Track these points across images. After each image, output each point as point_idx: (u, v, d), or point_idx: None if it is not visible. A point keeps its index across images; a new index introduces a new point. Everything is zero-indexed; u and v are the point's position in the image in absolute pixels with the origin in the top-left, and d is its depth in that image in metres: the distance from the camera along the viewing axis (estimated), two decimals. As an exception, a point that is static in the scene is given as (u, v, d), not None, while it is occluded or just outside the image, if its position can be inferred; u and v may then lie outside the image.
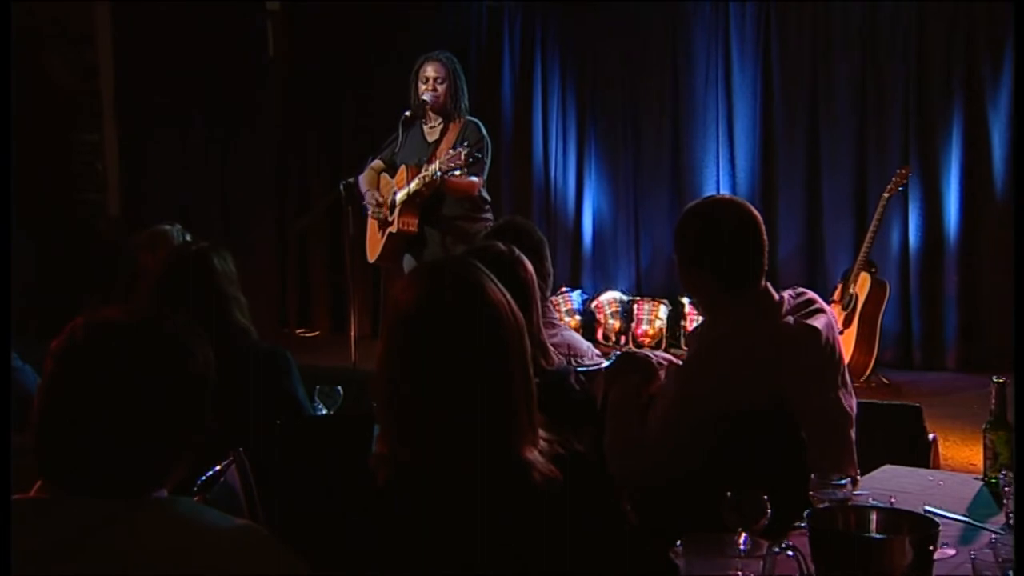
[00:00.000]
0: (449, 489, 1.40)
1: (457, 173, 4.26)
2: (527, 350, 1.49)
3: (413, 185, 4.43)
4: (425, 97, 4.53)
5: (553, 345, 2.66)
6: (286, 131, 7.05)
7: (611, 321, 6.14)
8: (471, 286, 1.48)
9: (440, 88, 4.53)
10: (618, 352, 2.79)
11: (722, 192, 5.86)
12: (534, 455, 1.43)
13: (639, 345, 6.03)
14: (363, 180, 4.78)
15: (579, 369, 2.62)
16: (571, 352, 2.86)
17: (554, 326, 2.89)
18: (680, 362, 2.44)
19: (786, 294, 2.35)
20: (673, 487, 2.16)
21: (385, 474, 1.41)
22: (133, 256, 2.47)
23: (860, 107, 5.70)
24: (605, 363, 2.81)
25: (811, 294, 2.37)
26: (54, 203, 6.62)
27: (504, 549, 1.38)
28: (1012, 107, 5.28)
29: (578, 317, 6.16)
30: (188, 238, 2.51)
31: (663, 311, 6.03)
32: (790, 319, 2.27)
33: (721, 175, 6.06)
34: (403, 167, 4.55)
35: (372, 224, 4.78)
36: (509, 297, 1.49)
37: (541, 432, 1.46)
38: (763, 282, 2.31)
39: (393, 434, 1.44)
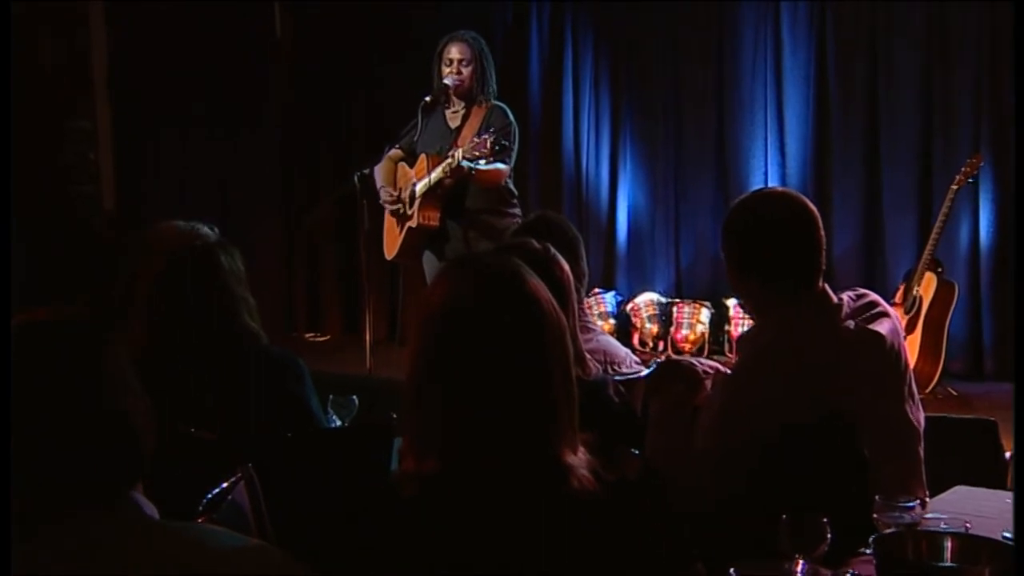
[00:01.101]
0: (482, 496, 1.42)
1: (482, 163, 4.26)
2: (569, 348, 1.50)
3: (434, 175, 4.43)
4: (447, 81, 4.54)
5: (588, 352, 2.65)
6: (294, 119, 7.08)
7: (648, 325, 6.12)
8: (509, 279, 1.49)
9: (465, 71, 4.54)
10: (659, 359, 2.77)
11: (771, 184, 5.83)
12: (574, 459, 1.44)
13: (679, 351, 6.01)
14: (379, 172, 4.79)
15: (617, 378, 2.61)
16: (608, 359, 2.85)
17: (589, 331, 2.89)
18: (728, 371, 2.43)
19: (846, 296, 2.33)
20: (722, 508, 2.14)
21: (411, 488, 1.42)
22: (136, 253, 2.48)
23: (925, 89, 5.64)
24: (645, 371, 2.81)
25: (873, 296, 2.35)
26: (43, 196, 6.66)
27: (538, 558, 1.39)
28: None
29: (612, 321, 6.15)
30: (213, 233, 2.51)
31: (705, 314, 6.01)
32: (850, 323, 2.25)
33: (770, 166, 6.03)
34: (423, 156, 4.56)
35: (389, 218, 4.79)
36: (549, 292, 1.50)
37: (582, 452, 1.46)
38: (820, 283, 2.30)
39: (422, 442, 1.45)
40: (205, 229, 2.52)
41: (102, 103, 6.99)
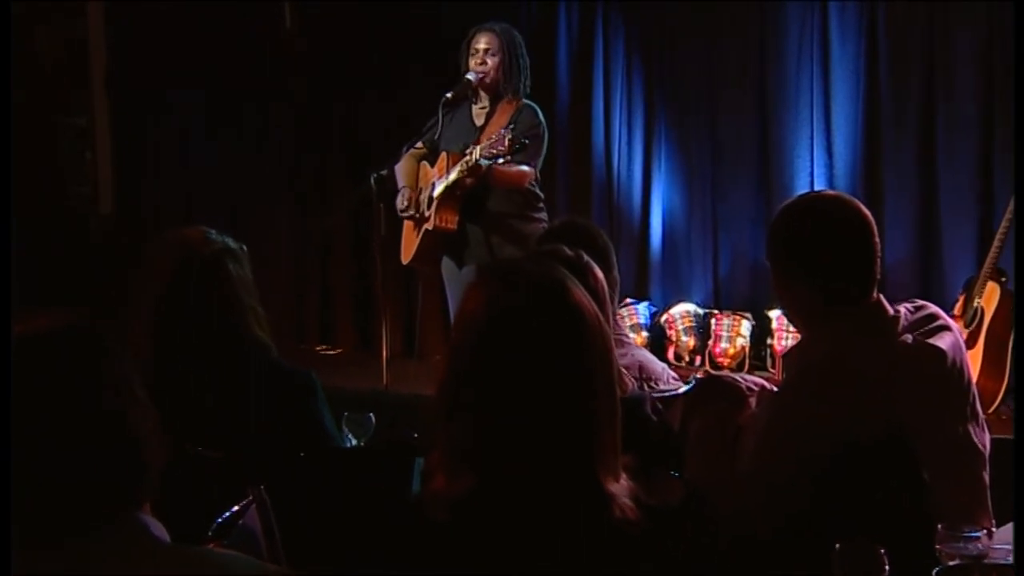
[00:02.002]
0: (517, 522, 1.41)
1: (500, 161, 4.24)
2: (614, 364, 1.51)
3: (453, 174, 4.42)
4: (469, 75, 4.54)
5: (623, 367, 2.64)
6: (305, 117, 7.09)
7: (684, 338, 6.10)
8: (552, 288, 1.49)
9: (490, 61, 4.54)
10: (697, 375, 2.77)
11: (817, 187, 5.81)
12: (615, 486, 1.44)
13: (717, 366, 5.99)
14: (400, 170, 4.79)
15: (655, 395, 2.60)
16: (644, 375, 2.85)
17: (624, 344, 2.90)
18: (774, 388, 2.42)
19: (903, 308, 2.32)
20: (770, 536, 2.13)
21: (440, 512, 1.42)
22: (143, 260, 2.50)
23: (986, 85, 5.60)
24: (684, 388, 2.80)
25: (933, 308, 2.34)
26: (37, 197, 6.71)
27: None
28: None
29: (645, 333, 6.14)
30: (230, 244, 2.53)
31: (746, 327, 5.98)
32: (908, 337, 2.24)
33: (816, 167, 6.00)
34: (444, 154, 4.56)
35: (408, 220, 4.79)
36: (594, 304, 1.50)
37: (623, 478, 1.46)
38: (875, 294, 2.29)
39: (454, 460, 1.46)
40: (216, 235, 2.53)
41: (100, 99, 7.04)
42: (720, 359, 6.00)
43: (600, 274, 2.44)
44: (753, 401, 2.42)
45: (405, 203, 4.68)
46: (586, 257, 2.45)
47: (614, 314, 2.85)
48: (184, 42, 6.80)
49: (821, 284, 2.27)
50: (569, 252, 2.44)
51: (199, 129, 7.11)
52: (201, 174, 7.07)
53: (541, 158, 4.57)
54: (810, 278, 2.28)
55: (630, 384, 2.52)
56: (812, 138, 6.02)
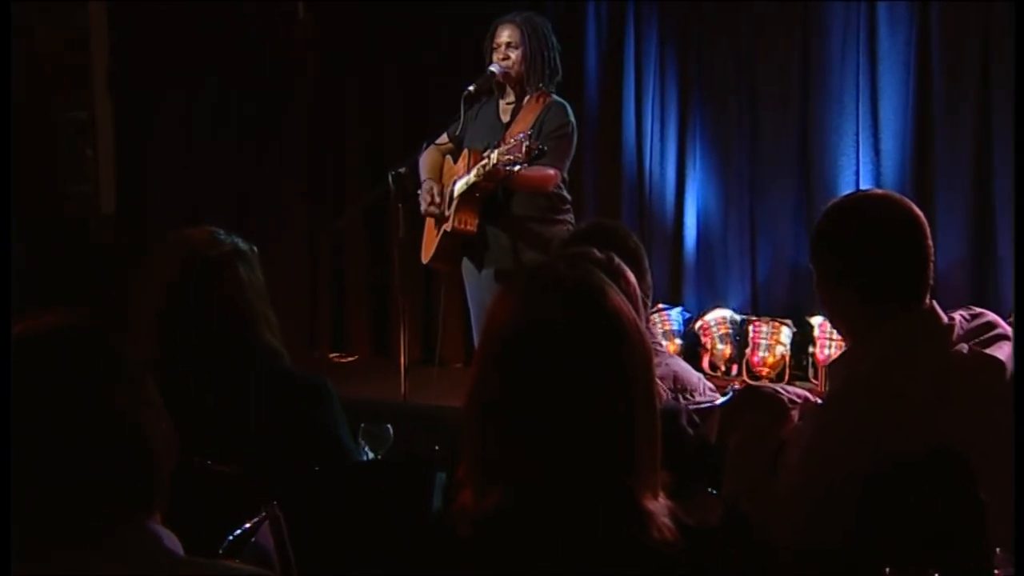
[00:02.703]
0: (549, 539, 1.41)
1: (516, 168, 4.22)
2: (653, 375, 1.51)
3: (472, 175, 4.44)
4: (492, 68, 4.55)
5: (657, 377, 2.64)
6: (319, 112, 7.12)
7: (720, 346, 6.10)
8: (590, 293, 1.49)
9: (513, 55, 4.54)
10: (735, 386, 2.76)
11: (863, 186, 5.79)
12: (654, 504, 1.44)
13: (755, 376, 5.98)
14: (424, 163, 4.79)
15: (690, 407, 2.60)
16: (679, 385, 2.86)
17: (657, 353, 2.89)
18: (818, 400, 2.41)
19: (958, 315, 2.30)
20: (815, 558, 2.12)
21: (466, 528, 1.42)
22: (149, 262, 2.51)
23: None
24: (721, 399, 2.79)
25: (991, 316, 2.33)
26: (33, 196, 6.74)
27: None
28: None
29: (678, 341, 6.14)
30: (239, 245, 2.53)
31: (785, 334, 5.98)
32: (964, 347, 2.23)
33: (862, 165, 5.99)
34: (466, 151, 4.58)
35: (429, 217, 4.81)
36: (632, 310, 1.50)
37: (662, 496, 1.47)
38: (928, 300, 2.27)
39: (483, 473, 1.46)
40: (225, 236, 2.54)
41: (101, 93, 7.07)
42: (758, 369, 6.00)
43: (632, 278, 2.45)
44: (796, 414, 2.41)
45: (429, 198, 4.67)
46: (617, 260, 2.44)
47: (647, 321, 2.85)
48: (191, 34, 6.83)
49: (868, 290, 2.25)
50: (599, 255, 2.44)
51: (204, 126, 7.15)
52: (207, 173, 7.11)
53: (568, 160, 4.57)
54: (856, 283, 2.27)
55: (664, 395, 2.51)
56: (858, 134, 6.02)
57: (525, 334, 1.47)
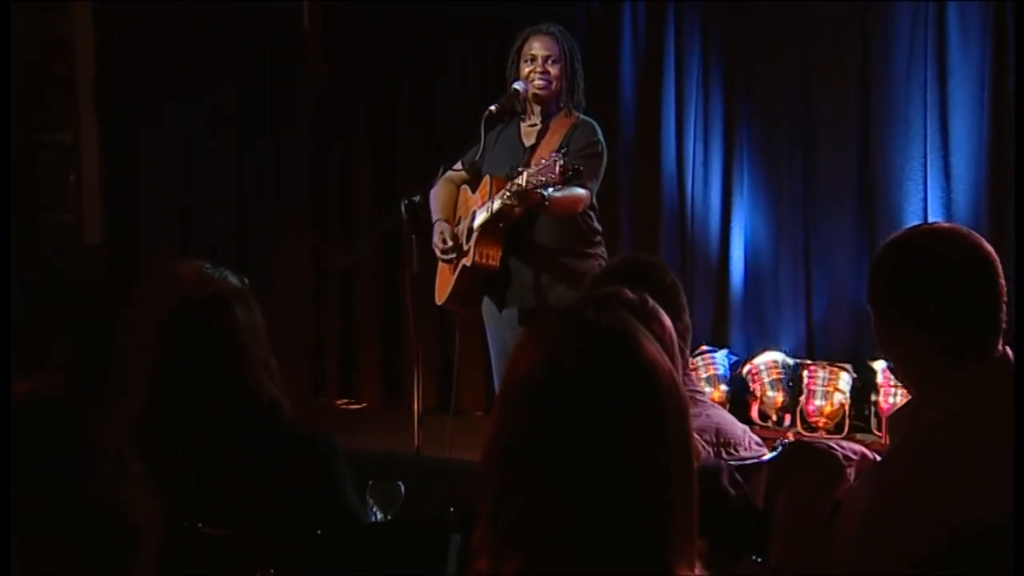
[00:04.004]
0: None
1: (550, 191, 4.20)
2: (690, 431, 1.52)
3: (497, 203, 4.41)
4: (517, 85, 4.56)
5: (697, 430, 2.65)
6: (325, 134, 7.16)
7: (771, 393, 6.09)
8: (622, 341, 1.51)
9: (553, 70, 4.55)
10: (786, 440, 2.75)
11: (932, 216, 5.78)
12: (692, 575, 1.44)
13: (811, 428, 5.96)
14: (436, 198, 4.80)
15: (733, 463, 2.60)
16: (721, 439, 2.86)
17: (697, 403, 2.89)
18: (877, 457, 2.40)
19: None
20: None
21: None
22: (135, 302, 2.52)
23: None
24: (768, 455, 2.79)
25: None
26: (12, 227, 6.78)
27: None
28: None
29: (724, 387, 6.14)
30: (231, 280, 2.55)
31: (845, 380, 5.96)
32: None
33: (930, 191, 5.99)
34: (487, 178, 4.56)
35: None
36: (668, 360, 1.51)
37: (699, 568, 1.47)
38: (1001, 345, 2.27)
39: (502, 537, 1.47)
40: (222, 273, 2.56)
41: (86, 112, 7.11)
42: (815, 419, 5.98)
43: (667, 321, 2.45)
44: (852, 473, 2.40)
45: (443, 244, 4.66)
46: (651, 302, 2.45)
47: (685, 367, 2.86)
48: (184, 47, 6.87)
49: (932, 334, 2.25)
50: (631, 295, 2.45)
51: (201, 148, 7.19)
52: (204, 200, 7.15)
53: (599, 181, 4.58)
54: (919, 327, 2.26)
55: (703, 451, 2.51)
56: (925, 157, 6.01)
57: (549, 385, 1.49)
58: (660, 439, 1.48)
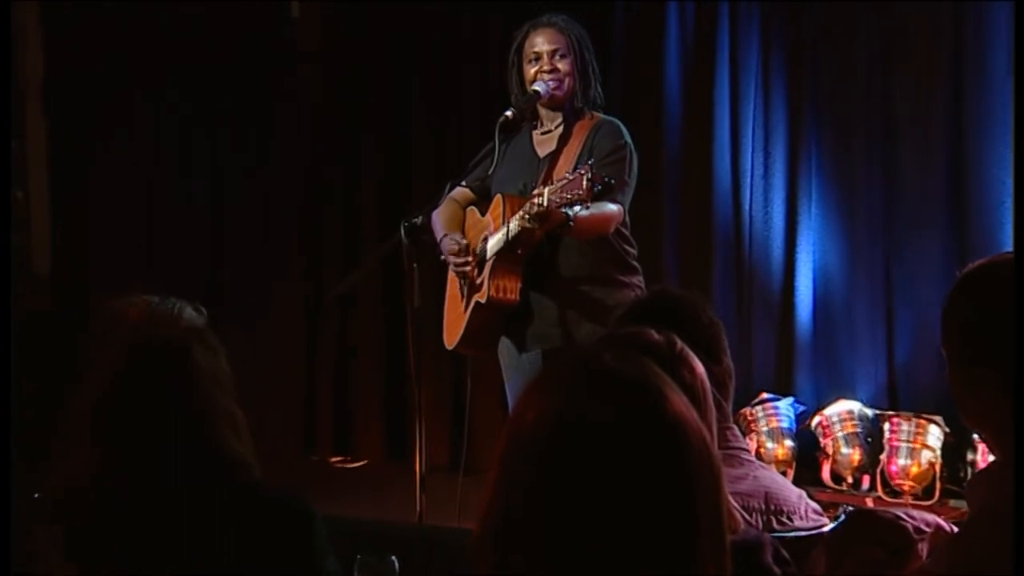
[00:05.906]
0: None
1: (576, 209, 4.11)
2: (723, 499, 1.54)
3: (513, 226, 4.37)
4: (537, 86, 4.57)
5: (739, 495, 2.66)
6: (318, 147, 7.20)
7: (845, 450, 6.08)
8: (641, 393, 1.54)
9: (562, 66, 4.58)
10: (849, 508, 2.76)
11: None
12: None
13: (894, 493, 5.95)
14: (440, 217, 4.81)
15: (779, 535, 2.61)
16: (771, 506, 2.85)
17: (740, 463, 2.90)
18: (954, 528, 2.41)
19: None
20: None
21: None
22: (82, 346, 2.55)
23: None
24: (828, 525, 2.80)
25: None
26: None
27: None
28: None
29: (789, 443, 6.13)
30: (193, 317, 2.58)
31: (934, 435, 5.95)
32: None
33: (1033, 212, 5.98)
34: (498, 197, 4.57)
35: (453, 287, 4.83)
36: (697, 416, 1.54)
37: None
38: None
39: None
40: (178, 309, 2.58)
41: (34, 118, 7.16)
42: (898, 481, 5.97)
43: (699, 367, 2.46)
44: (924, 548, 2.40)
45: (457, 255, 4.65)
46: (680, 344, 2.47)
47: (724, 420, 2.87)
48: (150, 44, 6.92)
49: (1015, 385, 2.26)
50: (656, 336, 2.46)
51: (169, 159, 7.24)
52: (172, 221, 7.19)
53: (631, 190, 4.56)
54: (998, 376, 2.27)
55: (744, 521, 2.53)
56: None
57: (557, 445, 1.51)
58: (686, 509, 1.50)
